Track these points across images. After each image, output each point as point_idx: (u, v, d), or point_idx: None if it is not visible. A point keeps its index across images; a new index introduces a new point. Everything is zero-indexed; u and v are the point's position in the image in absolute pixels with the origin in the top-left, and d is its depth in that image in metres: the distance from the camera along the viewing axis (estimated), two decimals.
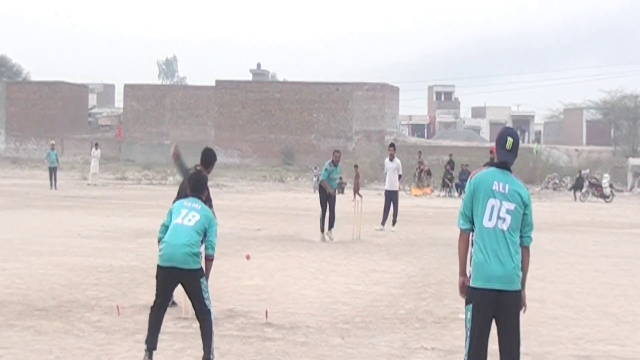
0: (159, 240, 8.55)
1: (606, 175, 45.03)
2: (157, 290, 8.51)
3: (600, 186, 42.91)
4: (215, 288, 12.66)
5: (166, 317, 10.65)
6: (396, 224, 23.15)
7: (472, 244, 6.70)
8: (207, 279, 8.42)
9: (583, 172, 45.42)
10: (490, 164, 6.84)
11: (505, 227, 6.54)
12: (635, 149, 67.12)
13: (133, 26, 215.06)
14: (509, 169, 6.71)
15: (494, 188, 6.58)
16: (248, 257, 13.54)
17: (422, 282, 14.20)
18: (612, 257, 18.71)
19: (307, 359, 8.95)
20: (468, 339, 6.65)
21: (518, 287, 6.67)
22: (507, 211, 6.55)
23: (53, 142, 43.65)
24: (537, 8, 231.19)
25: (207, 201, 9.59)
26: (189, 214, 8.43)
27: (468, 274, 6.71)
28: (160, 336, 9.20)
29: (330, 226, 20.72)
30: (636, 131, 71.65)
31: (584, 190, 43.47)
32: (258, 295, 12.52)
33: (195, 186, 8.80)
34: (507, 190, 6.58)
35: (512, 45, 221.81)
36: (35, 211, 26.48)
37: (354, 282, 14.08)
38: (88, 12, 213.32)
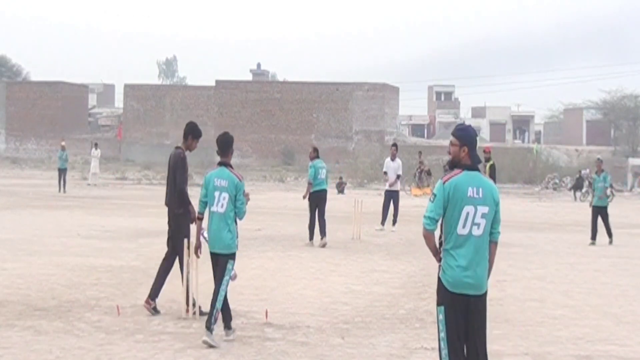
0: (199, 213, 9.97)
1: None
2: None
3: None
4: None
5: (166, 317, 10.70)
6: (396, 224, 23.15)
7: (441, 245, 6.77)
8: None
9: (583, 172, 45.41)
10: (464, 167, 6.77)
11: (479, 233, 6.63)
12: (635, 149, 67.15)
13: (133, 26, 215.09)
14: (477, 169, 6.79)
15: (469, 195, 6.62)
16: None
17: (422, 282, 14.19)
18: (612, 257, 18.71)
19: (307, 359, 8.95)
20: (444, 341, 6.69)
21: (485, 289, 6.73)
22: (482, 215, 6.63)
23: (63, 143, 43.36)
24: (536, 8, 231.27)
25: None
26: (221, 196, 9.59)
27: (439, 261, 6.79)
28: (160, 336, 9.21)
29: (322, 234, 19.18)
30: (636, 131, 71.71)
31: (584, 190, 43.44)
32: (258, 295, 12.53)
33: (222, 146, 9.86)
34: (481, 194, 6.65)
35: (511, 45, 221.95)
36: (35, 211, 26.48)
37: (354, 282, 14.08)
38: (88, 13, 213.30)
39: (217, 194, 9.59)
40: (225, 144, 9.86)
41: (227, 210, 9.58)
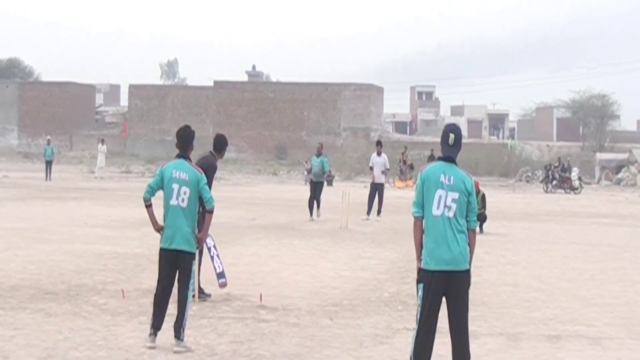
0: (145, 200, 8.62)
1: (575, 168, 45.01)
2: (160, 272, 8.55)
3: (570, 179, 42.91)
4: (213, 273, 12.65)
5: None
6: (381, 214, 23.15)
7: (424, 231, 6.86)
8: (207, 231, 8.72)
9: (554, 165, 45.28)
10: (438, 158, 6.99)
11: (451, 215, 6.73)
12: (602, 144, 67.21)
13: (137, 30, 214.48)
14: (454, 162, 6.88)
15: (441, 180, 6.77)
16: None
17: (405, 268, 14.18)
18: (581, 244, 18.74)
19: (299, 339, 8.94)
20: (419, 314, 6.91)
21: (466, 266, 6.81)
22: (453, 200, 6.75)
23: (49, 137, 43.56)
24: (511, 16, 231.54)
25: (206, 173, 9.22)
26: (181, 190, 8.38)
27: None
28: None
29: (317, 207, 22.91)
30: (603, 128, 71.85)
31: (554, 183, 43.33)
32: (253, 280, 12.50)
33: (182, 141, 8.64)
34: (452, 182, 6.77)
35: (488, 48, 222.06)
36: (45, 202, 26.37)
37: (342, 268, 14.07)
38: (96, 17, 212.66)
39: (176, 186, 8.35)
40: (185, 139, 8.62)
41: (189, 206, 8.37)
